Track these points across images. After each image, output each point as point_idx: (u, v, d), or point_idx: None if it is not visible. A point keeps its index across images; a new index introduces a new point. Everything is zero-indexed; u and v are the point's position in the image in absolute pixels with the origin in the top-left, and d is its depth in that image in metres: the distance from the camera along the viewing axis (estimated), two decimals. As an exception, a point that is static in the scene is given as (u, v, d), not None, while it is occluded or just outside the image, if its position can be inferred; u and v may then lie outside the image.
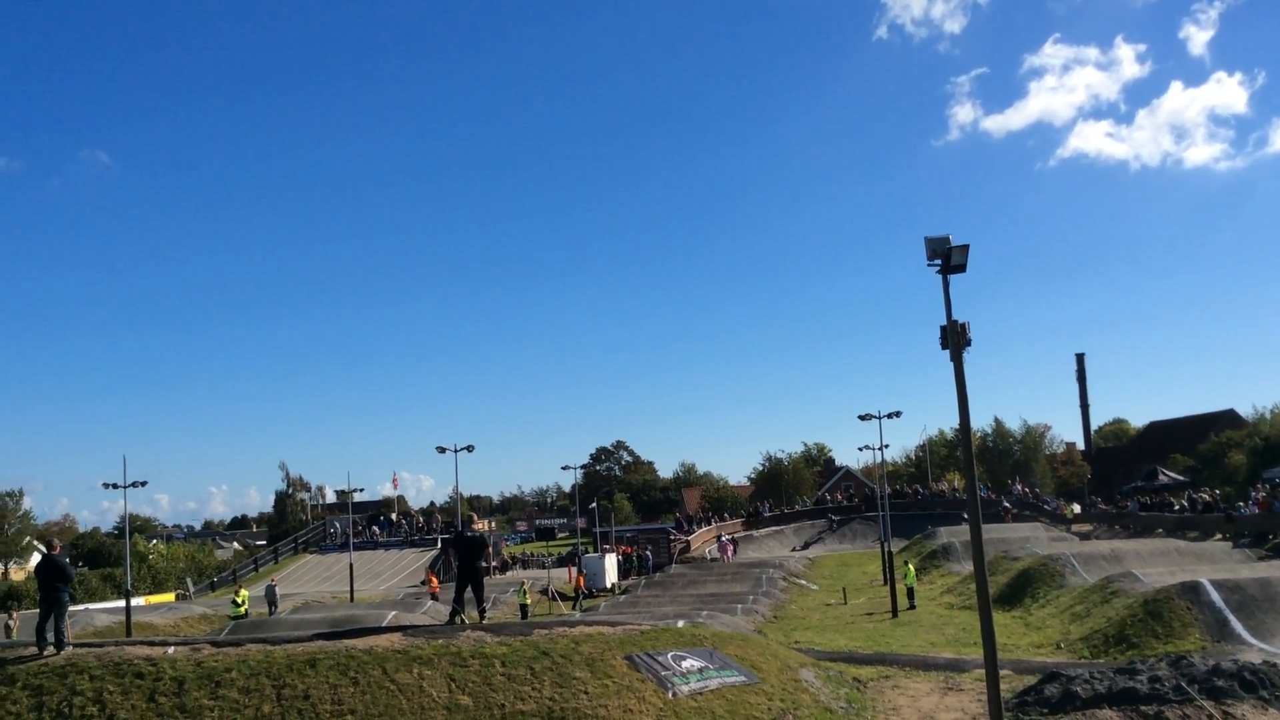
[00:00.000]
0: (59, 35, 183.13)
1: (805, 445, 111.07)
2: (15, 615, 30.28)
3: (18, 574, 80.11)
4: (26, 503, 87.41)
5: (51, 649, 16.12)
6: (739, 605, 36.75)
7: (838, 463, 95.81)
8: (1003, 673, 16.86)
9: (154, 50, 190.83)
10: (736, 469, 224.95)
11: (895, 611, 34.83)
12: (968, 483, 15.71)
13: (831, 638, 29.94)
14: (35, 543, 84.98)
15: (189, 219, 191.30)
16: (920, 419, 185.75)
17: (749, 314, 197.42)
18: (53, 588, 16.37)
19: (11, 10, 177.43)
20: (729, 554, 56.72)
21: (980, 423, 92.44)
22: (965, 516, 48.40)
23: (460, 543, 18.06)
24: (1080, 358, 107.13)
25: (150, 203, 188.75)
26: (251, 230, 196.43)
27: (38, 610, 16.92)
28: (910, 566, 39.97)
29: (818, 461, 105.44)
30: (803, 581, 48.20)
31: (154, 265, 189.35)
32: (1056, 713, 16.22)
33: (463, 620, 18.26)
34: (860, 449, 61.67)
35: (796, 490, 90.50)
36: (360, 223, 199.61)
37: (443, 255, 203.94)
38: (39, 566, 17.12)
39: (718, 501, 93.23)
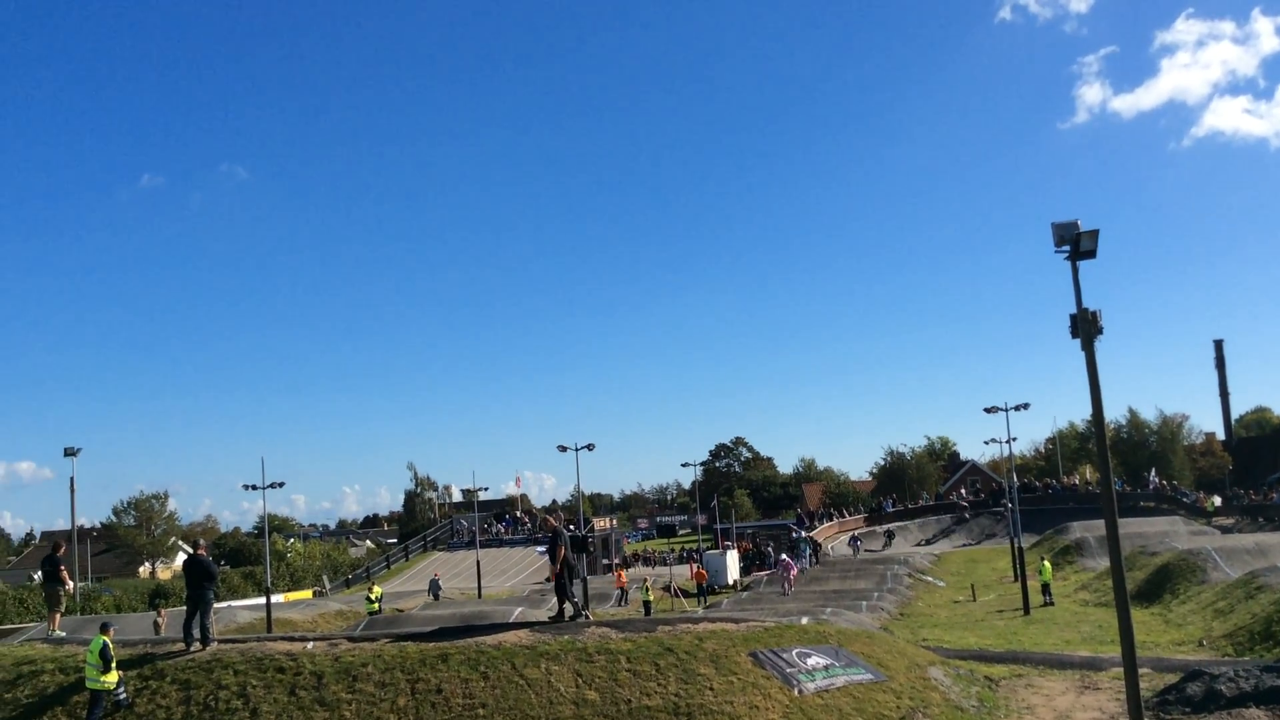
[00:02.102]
0: (198, 54, 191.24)
1: (928, 439, 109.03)
2: (163, 613, 31.68)
3: (164, 573, 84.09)
4: (171, 504, 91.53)
5: (198, 645, 16.87)
6: (864, 602, 36.36)
7: (963, 456, 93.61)
8: (1142, 671, 16.29)
9: (284, 62, 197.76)
10: (857, 464, 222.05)
11: (1027, 608, 34.00)
12: (1102, 476, 15.23)
13: (961, 635, 29.37)
14: (180, 543, 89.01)
15: (318, 228, 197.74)
16: (1050, 411, 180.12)
17: (868, 305, 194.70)
18: (198, 586, 17.14)
19: (152, 34, 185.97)
20: (789, 579, 43.24)
21: (1114, 414, 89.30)
22: (1099, 510, 47.05)
23: (570, 541, 18.30)
24: (1219, 344, 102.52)
25: (282, 213, 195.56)
26: (377, 237, 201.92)
27: (185, 608, 17.72)
28: (1046, 563, 38.96)
29: (941, 456, 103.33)
30: (929, 578, 47.39)
31: (287, 275, 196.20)
32: (1200, 712, 15.63)
33: (587, 616, 18.51)
34: (986, 442, 60.17)
35: (920, 485, 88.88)
36: (480, 224, 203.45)
37: (562, 254, 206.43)
38: (185, 566, 17.92)
39: (839, 497, 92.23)
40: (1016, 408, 41.60)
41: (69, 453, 44.44)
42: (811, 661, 16.56)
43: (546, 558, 19.47)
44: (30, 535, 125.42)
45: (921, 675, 18.10)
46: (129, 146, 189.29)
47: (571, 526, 18.78)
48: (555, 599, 18.27)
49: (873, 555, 58.47)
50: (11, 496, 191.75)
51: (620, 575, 43.40)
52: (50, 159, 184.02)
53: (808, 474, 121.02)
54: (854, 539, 63.54)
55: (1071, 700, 17.95)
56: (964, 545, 65.45)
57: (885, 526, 69.36)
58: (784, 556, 48.48)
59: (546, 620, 17.92)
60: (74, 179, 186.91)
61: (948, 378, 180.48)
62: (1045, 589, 36.19)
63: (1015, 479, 50.14)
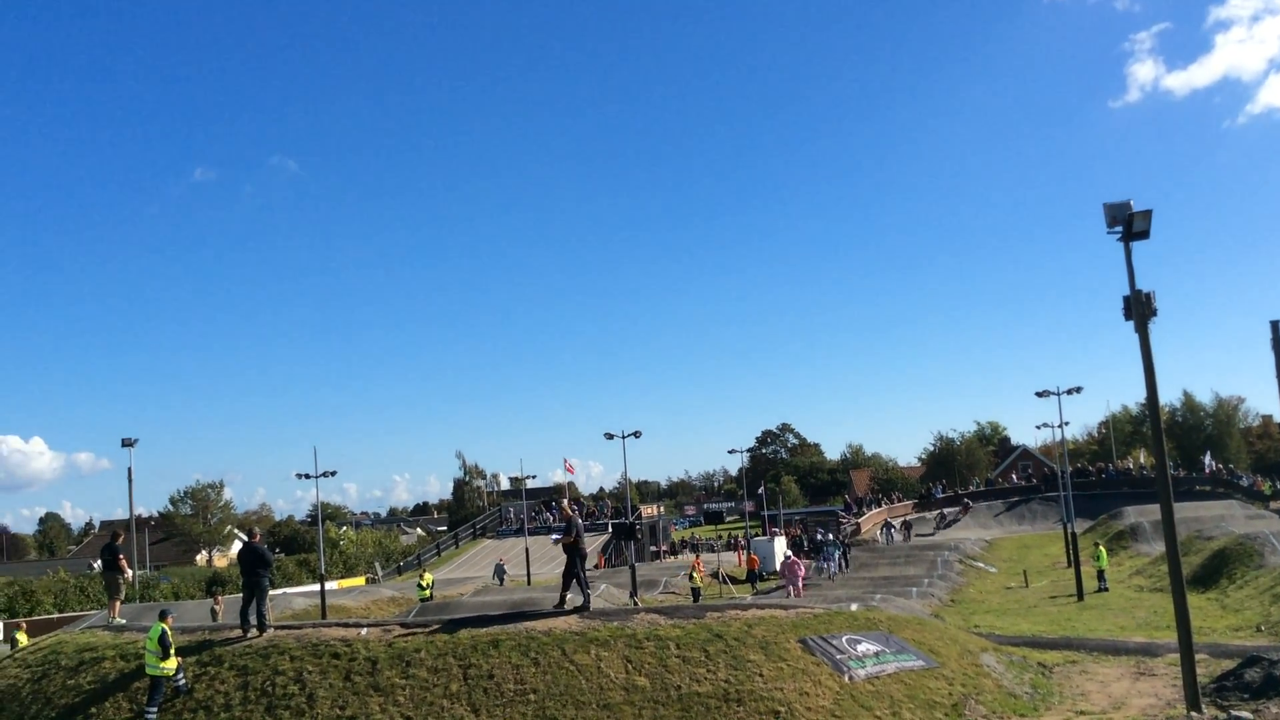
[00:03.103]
0: (249, 49, 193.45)
1: (978, 424, 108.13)
2: (220, 599, 32.18)
3: (220, 560, 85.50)
4: (227, 493, 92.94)
5: (254, 631, 17.16)
6: (914, 589, 36.14)
7: (1013, 441, 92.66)
8: (1198, 657, 16.07)
9: (332, 54, 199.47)
10: (906, 449, 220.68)
11: (1081, 594, 33.63)
12: (1157, 460, 15.04)
13: (1013, 622, 29.12)
14: (236, 531, 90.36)
15: (366, 218, 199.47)
16: (1103, 394, 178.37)
17: (915, 288, 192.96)
18: (254, 573, 17.42)
19: (203, 31, 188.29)
20: (798, 584, 36.79)
21: (1169, 397, 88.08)
22: (1154, 494, 46.27)
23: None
24: (1275, 325, 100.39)
25: (331, 205, 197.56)
26: (425, 226, 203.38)
27: (241, 595, 18.02)
28: (1101, 548, 38.49)
29: (992, 441, 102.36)
30: (980, 564, 47.00)
31: (336, 265, 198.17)
32: (1258, 698, 15.37)
33: (636, 602, 18.56)
34: (1038, 427, 59.52)
35: (970, 471, 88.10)
36: (527, 211, 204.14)
37: (610, 240, 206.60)
38: (241, 553, 18.22)
39: (887, 483, 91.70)
40: (1069, 391, 41.09)
41: (126, 444, 45.19)
42: (862, 648, 16.51)
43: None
44: (90, 525, 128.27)
45: (974, 662, 17.98)
46: (182, 141, 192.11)
47: (574, 513, 18.56)
48: (565, 587, 18.07)
49: (923, 541, 58.01)
50: (71, 487, 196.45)
51: (698, 562, 43.48)
52: (106, 155, 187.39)
53: (855, 460, 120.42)
54: (900, 524, 63.00)
55: (1127, 687, 17.74)
56: (1015, 531, 64.81)
57: (939, 511, 68.55)
58: (789, 555, 43.38)
59: (552, 609, 17.79)
60: (129, 174, 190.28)
61: (998, 362, 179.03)
62: (1100, 575, 35.76)
63: (1068, 464, 49.52)
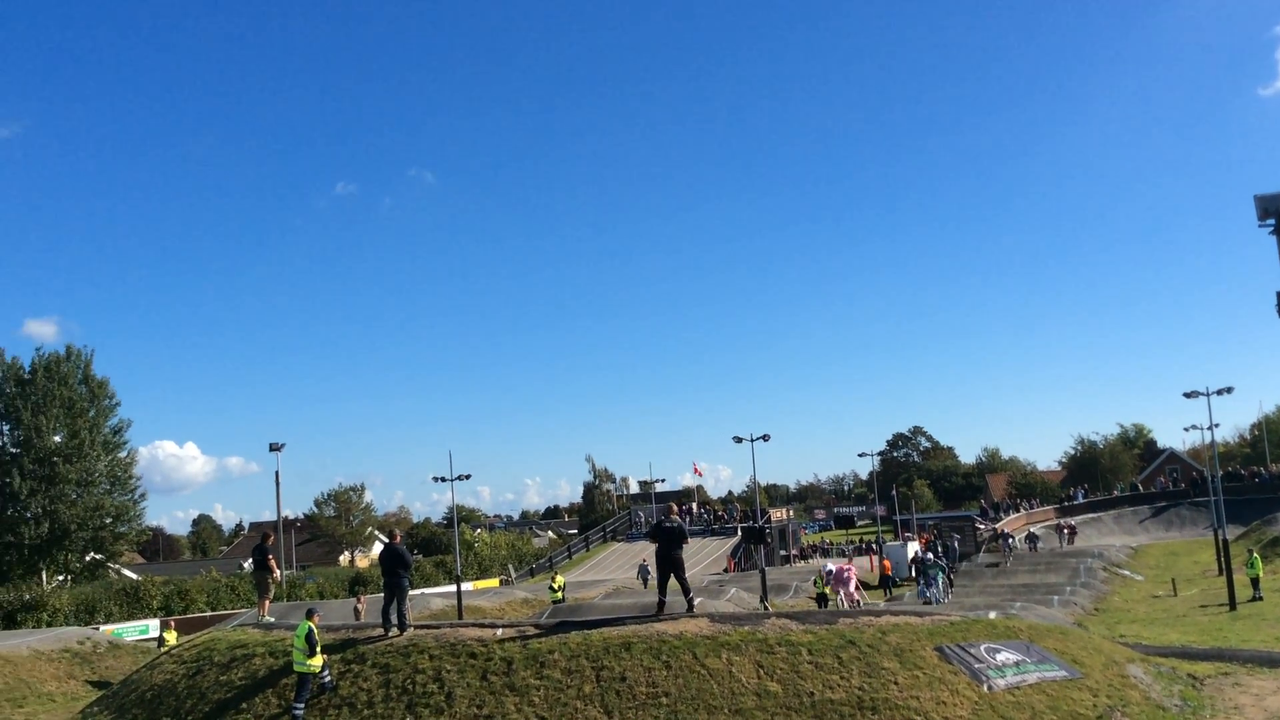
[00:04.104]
0: (387, 65, 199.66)
1: (1121, 426, 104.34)
2: (362, 599, 33.22)
3: (362, 561, 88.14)
4: (368, 496, 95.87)
5: (395, 630, 17.65)
6: (1055, 597, 35.09)
7: (1160, 444, 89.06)
8: (1368, 674, 15.18)
9: (468, 68, 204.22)
10: (1045, 453, 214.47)
11: (1233, 603, 32.09)
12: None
13: (1161, 631, 28.01)
14: (376, 533, 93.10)
15: (501, 227, 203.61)
16: (1255, 395, 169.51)
17: (1052, 288, 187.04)
18: (395, 574, 17.91)
19: (344, 49, 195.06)
20: (848, 593, 34.01)
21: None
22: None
23: (659, 533, 17.96)
24: None
25: (467, 214, 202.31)
26: (557, 232, 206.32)
27: (383, 594, 18.55)
28: (1256, 555, 36.71)
29: (1136, 444, 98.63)
30: (1125, 572, 45.28)
31: (471, 274, 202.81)
32: None
33: (766, 606, 18.41)
34: (1186, 429, 56.80)
35: (1113, 475, 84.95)
36: (658, 214, 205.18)
37: (739, 243, 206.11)
38: (382, 554, 18.75)
39: (1025, 487, 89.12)
40: (1219, 392, 39.23)
41: (274, 448, 47.06)
42: (1001, 657, 16.08)
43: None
44: (240, 526, 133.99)
45: (1119, 673, 17.32)
46: (325, 156, 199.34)
47: (675, 517, 18.36)
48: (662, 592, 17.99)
49: (1064, 548, 56.10)
50: (222, 490, 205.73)
51: (850, 571, 43.08)
52: (254, 171, 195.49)
53: (991, 464, 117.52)
54: (1066, 528, 60.70)
55: (1286, 702, 16.86)
56: (1162, 537, 62.23)
57: (1064, 521, 65.37)
58: (830, 566, 38.46)
59: (654, 615, 17.69)
60: (277, 188, 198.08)
61: (1143, 362, 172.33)
62: (1254, 583, 34.11)
63: (1218, 467, 47.32)
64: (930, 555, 43.45)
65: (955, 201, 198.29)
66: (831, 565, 37.42)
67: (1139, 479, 79.24)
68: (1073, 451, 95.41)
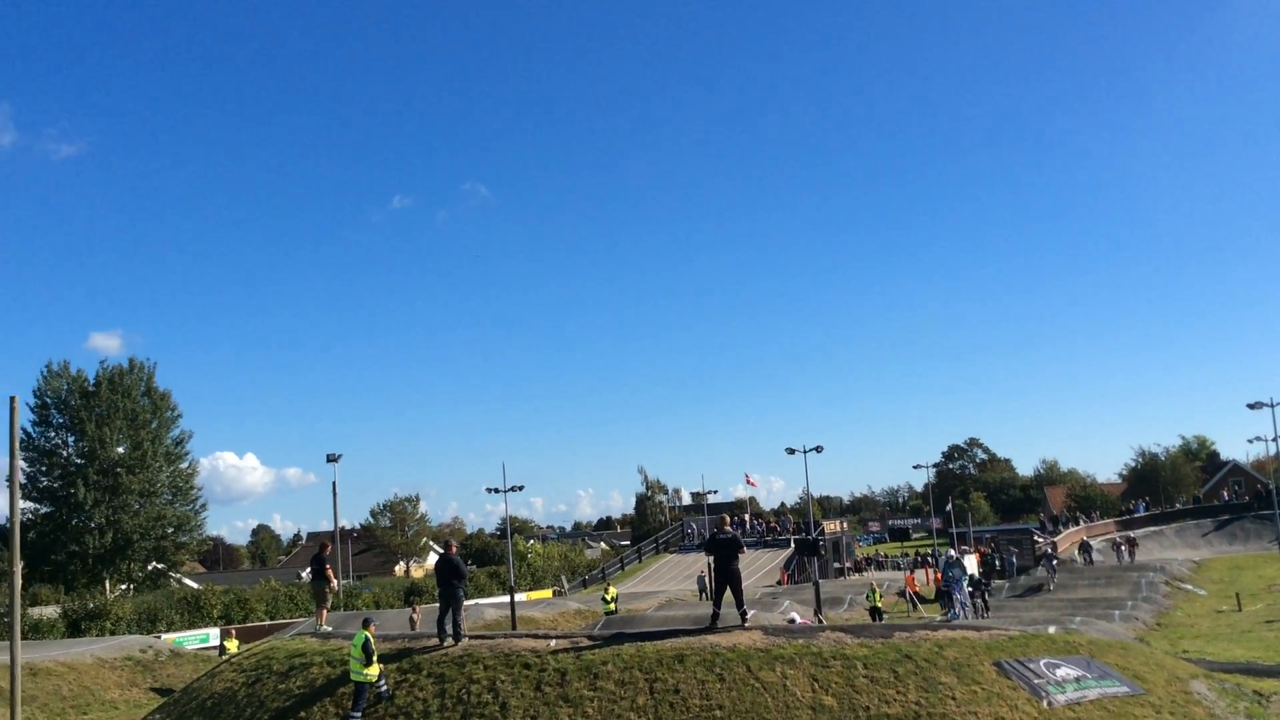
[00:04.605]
0: (440, 77, 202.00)
1: (1183, 438, 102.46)
2: (418, 609, 33.48)
3: (418, 571, 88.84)
4: (423, 507, 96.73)
5: (450, 640, 17.75)
6: (1116, 611, 34.46)
7: (1223, 456, 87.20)
8: None
9: (521, 79, 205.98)
10: (1105, 465, 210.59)
11: (1302, 620, 31.35)
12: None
13: (1225, 647, 27.40)
14: (431, 543, 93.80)
15: (554, 239, 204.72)
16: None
17: (1112, 295, 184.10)
18: (450, 584, 18.02)
19: (396, 64, 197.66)
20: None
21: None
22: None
23: (715, 545, 17.87)
24: None
25: (520, 226, 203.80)
26: (606, 244, 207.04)
27: (438, 605, 18.68)
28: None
29: (1199, 456, 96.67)
30: (1188, 586, 44.34)
31: (522, 286, 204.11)
32: None
33: (820, 619, 18.28)
34: (1250, 441, 55.64)
35: (1175, 487, 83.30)
36: (711, 224, 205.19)
37: (790, 252, 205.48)
38: (438, 565, 18.89)
39: (1085, 500, 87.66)
40: (1285, 403, 38.42)
41: (331, 459, 47.55)
42: (1061, 673, 15.82)
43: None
44: (298, 536, 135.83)
45: (1183, 689, 16.97)
46: (383, 170, 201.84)
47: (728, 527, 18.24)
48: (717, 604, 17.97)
49: (1123, 562, 55.08)
50: (281, 500, 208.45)
51: (911, 580, 42.65)
52: (314, 186, 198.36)
53: (1050, 476, 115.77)
54: (1124, 541, 59.50)
55: (1359, 722, 16.41)
56: (1226, 551, 60.88)
57: (1121, 535, 63.62)
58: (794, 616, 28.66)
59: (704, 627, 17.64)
60: (335, 203, 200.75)
61: (1205, 372, 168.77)
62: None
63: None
64: (954, 554, 39.55)
65: (1012, 211, 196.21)
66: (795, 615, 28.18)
67: (1201, 492, 77.67)
68: (1133, 464, 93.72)
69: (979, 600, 35.52)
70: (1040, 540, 58.46)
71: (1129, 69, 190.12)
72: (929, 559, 56.09)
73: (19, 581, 15.65)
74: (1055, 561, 46.35)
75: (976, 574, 38.24)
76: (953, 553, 38.31)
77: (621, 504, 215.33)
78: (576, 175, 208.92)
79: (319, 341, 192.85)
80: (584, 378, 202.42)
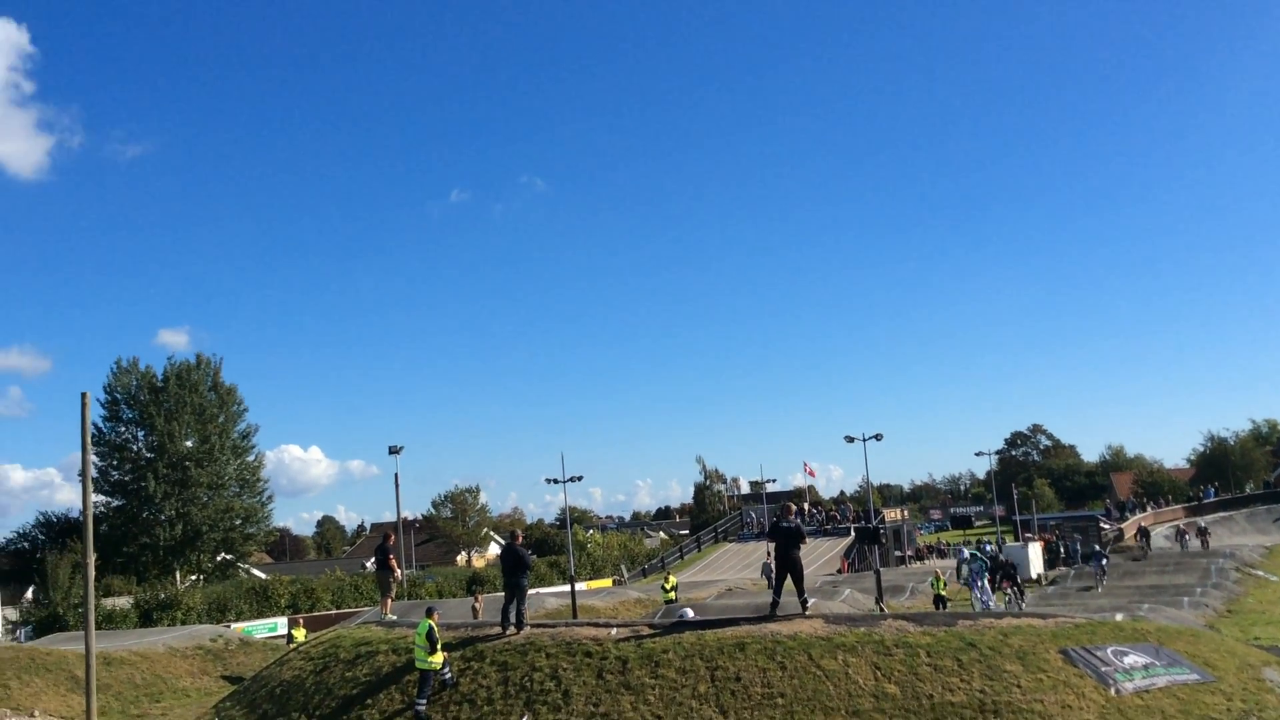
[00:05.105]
0: (496, 70, 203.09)
1: (1253, 422, 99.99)
2: (480, 598, 33.74)
3: (479, 561, 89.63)
4: (483, 497, 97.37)
5: (513, 629, 17.95)
6: (1185, 598, 33.84)
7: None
8: None
9: (576, 71, 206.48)
10: (1173, 450, 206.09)
11: (1380, 607, 30.56)
12: None
13: (1299, 635, 26.79)
14: (492, 534, 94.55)
15: (610, 231, 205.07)
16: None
17: (1177, 277, 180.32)
18: (515, 574, 18.18)
19: (454, 59, 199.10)
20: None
21: None
22: None
23: (776, 532, 17.71)
24: None
25: (578, 219, 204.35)
26: (661, 236, 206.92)
27: (502, 594, 18.85)
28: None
29: (1270, 440, 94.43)
30: (1259, 572, 43.35)
31: (582, 278, 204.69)
32: None
33: (882, 608, 18.17)
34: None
35: (1245, 472, 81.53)
36: (768, 215, 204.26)
37: (843, 244, 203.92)
38: (504, 554, 19.02)
39: (1152, 486, 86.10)
40: (1361, 385, 37.35)
41: (393, 451, 48.06)
42: (1129, 660, 15.59)
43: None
44: (362, 527, 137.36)
45: (1255, 676, 16.62)
46: (441, 164, 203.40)
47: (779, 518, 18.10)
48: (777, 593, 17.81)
49: (1187, 549, 53.94)
50: (345, 492, 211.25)
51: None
52: (374, 181, 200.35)
53: (1116, 462, 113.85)
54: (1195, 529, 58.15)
55: None
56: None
57: (1184, 523, 61.23)
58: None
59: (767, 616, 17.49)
60: (395, 198, 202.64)
61: (1275, 354, 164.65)
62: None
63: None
64: (968, 552, 35.80)
65: (1079, 195, 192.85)
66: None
67: (1272, 477, 75.91)
68: (1202, 448, 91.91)
69: (1012, 590, 32.99)
70: (1106, 527, 57.56)
71: (1209, 53, 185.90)
72: (987, 548, 55.40)
73: (92, 573, 16.08)
74: (1105, 561, 42.38)
75: (1011, 564, 34.95)
76: (968, 550, 35.89)
77: (680, 494, 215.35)
78: (632, 166, 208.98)
79: (380, 336, 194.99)
80: (642, 368, 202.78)
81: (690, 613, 21.65)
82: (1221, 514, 65.50)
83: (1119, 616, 18.67)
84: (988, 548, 34.53)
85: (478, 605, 32.30)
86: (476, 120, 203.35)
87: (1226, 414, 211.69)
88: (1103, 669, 15.08)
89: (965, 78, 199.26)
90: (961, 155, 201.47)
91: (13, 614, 44.31)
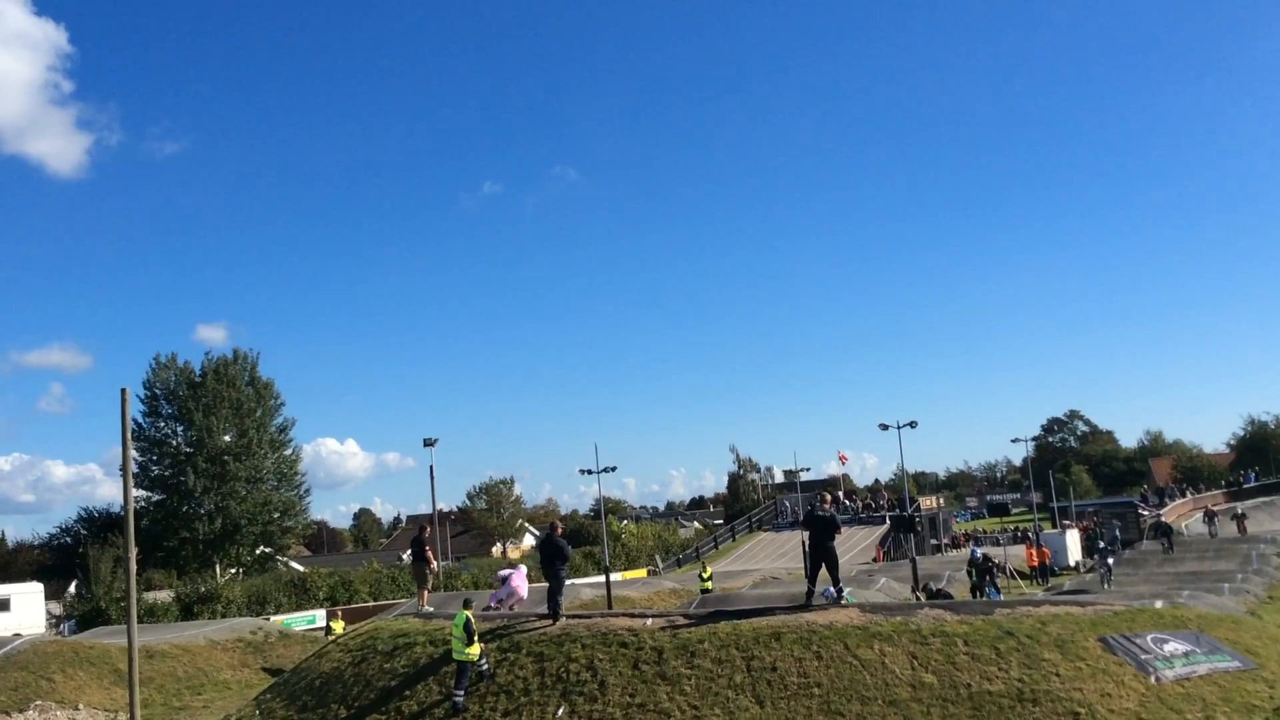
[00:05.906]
0: (528, 62, 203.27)
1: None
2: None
3: (514, 552, 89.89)
4: (517, 489, 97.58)
5: (549, 619, 18.02)
6: (1225, 585, 33.38)
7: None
8: None
9: (608, 62, 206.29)
10: (1212, 435, 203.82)
11: None
12: None
13: (1344, 622, 26.36)
14: (527, 525, 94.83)
15: (642, 221, 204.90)
16: None
17: (1214, 260, 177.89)
18: (554, 565, 18.27)
19: (485, 50, 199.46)
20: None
21: None
22: None
23: (811, 521, 17.62)
24: None
25: (610, 210, 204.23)
26: (692, 224, 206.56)
27: (546, 584, 18.83)
28: None
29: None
30: (1302, 558, 42.76)
31: (614, 269, 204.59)
32: None
33: (919, 596, 18.10)
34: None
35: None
36: (790, 213, 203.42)
37: (876, 231, 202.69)
38: (543, 545, 19.09)
39: (1191, 471, 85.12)
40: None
41: (428, 443, 48.38)
42: (1169, 648, 15.44)
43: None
44: (398, 519, 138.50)
45: (1298, 664, 16.43)
46: (473, 156, 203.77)
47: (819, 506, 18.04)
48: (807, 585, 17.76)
49: (1218, 535, 53.22)
50: (381, 484, 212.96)
51: (1030, 553, 41.97)
52: (407, 174, 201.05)
53: (1155, 447, 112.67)
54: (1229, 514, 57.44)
55: None
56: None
57: (1211, 506, 59.81)
58: (503, 572, 22.82)
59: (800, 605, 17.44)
60: (428, 191, 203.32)
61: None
62: None
63: None
64: (980, 552, 35.80)
65: (1112, 181, 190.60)
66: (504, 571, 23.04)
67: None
68: (1242, 433, 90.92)
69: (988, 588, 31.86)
70: (1145, 513, 56.94)
71: (1248, 42, 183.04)
72: (1029, 534, 54.97)
73: (134, 567, 16.28)
74: (1112, 560, 39.92)
75: (994, 565, 34.57)
76: (980, 551, 36.20)
77: (714, 483, 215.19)
78: (663, 156, 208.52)
79: (414, 329, 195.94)
80: (675, 358, 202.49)
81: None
82: (1262, 499, 64.67)
83: (1159, 604, 18.46)
84: (977, 553, 33.69)
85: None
86: (508, 112, 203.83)
87: (1267, 397, 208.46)
88: (1142, 657, 14.95)
89: (1001, 67, 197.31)
90: (999, 140, 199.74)
91: (56, 608, 45.00)
